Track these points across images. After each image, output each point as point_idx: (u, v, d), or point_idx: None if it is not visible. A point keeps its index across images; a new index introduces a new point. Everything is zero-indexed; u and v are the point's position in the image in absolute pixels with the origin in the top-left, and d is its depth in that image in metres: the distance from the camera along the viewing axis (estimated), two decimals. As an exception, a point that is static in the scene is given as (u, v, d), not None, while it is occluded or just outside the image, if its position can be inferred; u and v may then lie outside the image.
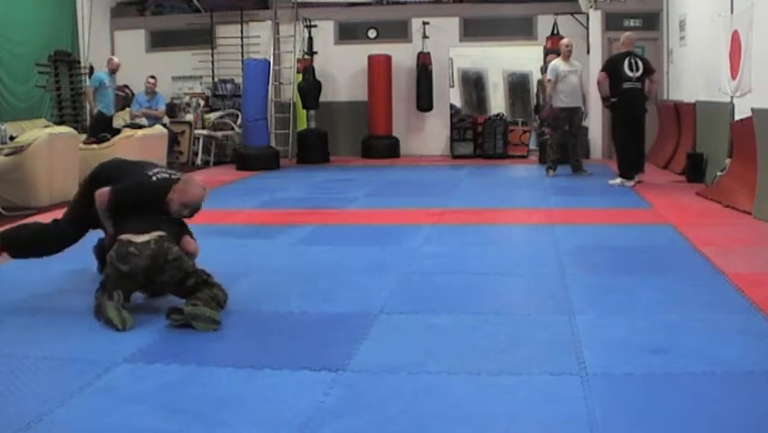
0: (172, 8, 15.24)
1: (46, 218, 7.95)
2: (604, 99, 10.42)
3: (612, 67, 10.19)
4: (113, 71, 12.06)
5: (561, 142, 11.10)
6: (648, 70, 10.11)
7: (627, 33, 10.58)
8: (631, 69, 10.00)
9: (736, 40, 8.98)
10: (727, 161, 8.78)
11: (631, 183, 9.97)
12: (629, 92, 10.00)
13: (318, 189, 10.46)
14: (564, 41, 11.39)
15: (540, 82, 13.68)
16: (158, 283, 4.58)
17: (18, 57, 12.06)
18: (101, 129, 11.18)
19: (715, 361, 3.70)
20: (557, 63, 11.05)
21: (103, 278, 4.63)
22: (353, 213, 8.54)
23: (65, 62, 13.09)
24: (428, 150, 14.59)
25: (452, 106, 14.73)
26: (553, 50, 12.99)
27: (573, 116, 11.00)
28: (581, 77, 11.04)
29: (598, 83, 10.40)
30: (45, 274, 5.46)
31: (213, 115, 14.10)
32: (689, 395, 3.32)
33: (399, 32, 14.66)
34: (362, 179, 11.39)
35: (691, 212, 8.00)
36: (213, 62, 14.77)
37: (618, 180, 10.11)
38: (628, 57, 10.08)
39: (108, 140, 10.70)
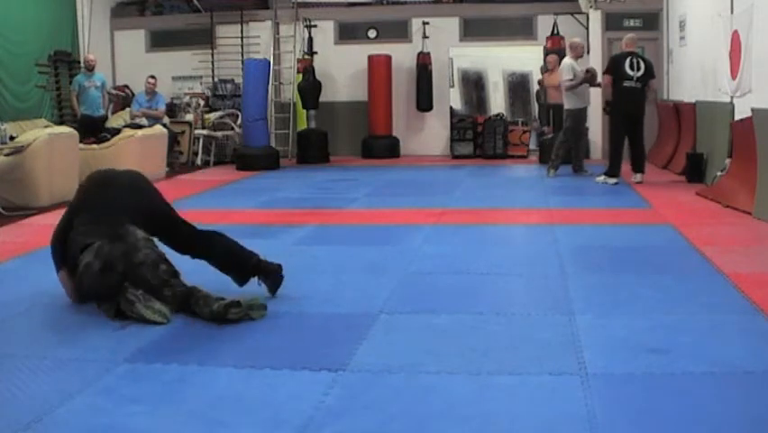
0: (172, 8, 15.23)
1: (46, 218, 7.98)
2: (606, 102, 10.46)
3: (614, 66, 10.18)
4: (89, 69, 12.12)
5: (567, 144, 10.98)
6: (650, 74, 10.10)
7: (630, 35, 10.55)
8: (632, 69, 9.99)
9: (736, 40, 8.97)
10: (727, 161, 8.79)
11: (614, 181, 10.11)
12: (628, 91, 9.98)
13: (318, 189, 10.45)
14: (576, 39, 11.31)
15: (540, 82, 13.67)
16: (135, 265, 4.49)
17: (18, 57, 12.05)
18: (89, 132, 11.13)
19: (715, 361, 3.70)
20: (572, 62, 10.81)
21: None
22: (353, 213, 8.54)
23: (65, 62, 13.09)
24: (428, 150, 14.59)
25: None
26: (552, 50, 12.97)
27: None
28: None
29: (604, 86, 10.43)
30: (45, 274, 5.45)
31: (213, 115, 14.09)
32: (689, 395, 3.32)
33: (399, 32, 14.66)
34: (362, 179, 11.39)
35: (691, 212, 8.00)
36: (213, 62, 14.77)
37: (602, 177, 10.22)
38: (630, 57, 10.07)
39: (108, 140, 10.70)
